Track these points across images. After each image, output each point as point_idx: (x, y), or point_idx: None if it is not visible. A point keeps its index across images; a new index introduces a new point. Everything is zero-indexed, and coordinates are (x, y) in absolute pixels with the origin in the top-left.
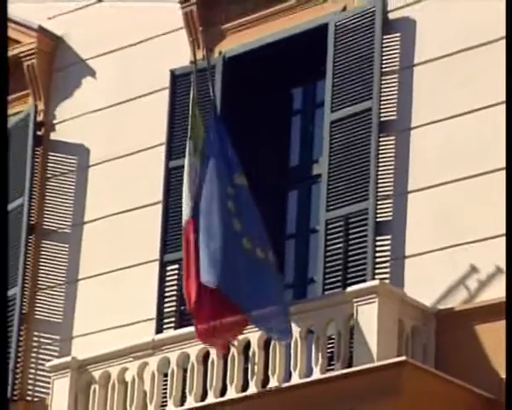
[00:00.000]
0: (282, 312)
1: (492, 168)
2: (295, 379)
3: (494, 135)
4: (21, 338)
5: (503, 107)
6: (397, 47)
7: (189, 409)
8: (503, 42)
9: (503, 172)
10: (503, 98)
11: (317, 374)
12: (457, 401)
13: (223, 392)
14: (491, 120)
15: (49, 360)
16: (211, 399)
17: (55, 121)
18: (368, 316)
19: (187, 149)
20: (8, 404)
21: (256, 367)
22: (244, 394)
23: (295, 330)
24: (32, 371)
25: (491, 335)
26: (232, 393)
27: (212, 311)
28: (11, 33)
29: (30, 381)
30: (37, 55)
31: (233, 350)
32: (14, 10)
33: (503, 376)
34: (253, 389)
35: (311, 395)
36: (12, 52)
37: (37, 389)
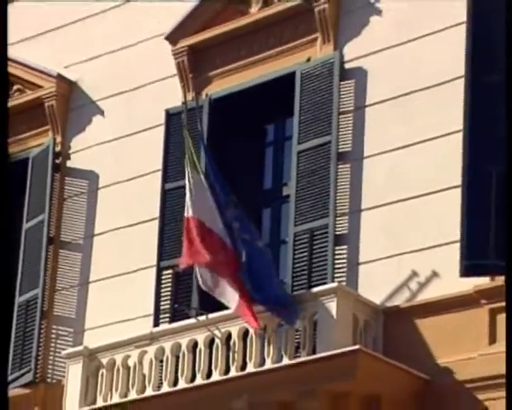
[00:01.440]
0: (290, 299)
1: (428, 191)
2: (268, 364)
3: (432, 163)
4: (42, 331)
5: (440, 140)
6: (351, 91)
7: (181, 389)
8: (441, 86)
9: (438, 194)
10: (440, 133)
11: (286, 360)
12: (401, 382)
13: (208, 375)
14: (429, 151)
15: (64, 349)
16: (199, 381)
17: (70, 151)
18: (328, 312)
19: (186, 170)
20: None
21: (236, 355)
22: (226, 376)
23: (269, 324)
24: (51, 358)
25: (428, 328)
26: (216, 376)
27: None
28: (35, 79)
29: (49, 366)
30: (56, 97)
31: (217, 341)
32: (36, 59)
33: (438, 361)
34: (233, 372)
35: (282, 377)
36: (35, 95)
37: (55, 372)
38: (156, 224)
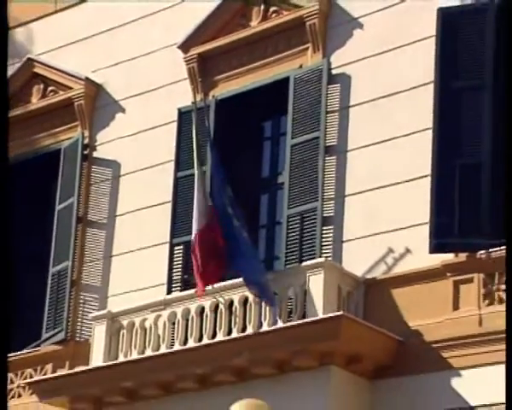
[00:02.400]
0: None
1: (402, 180)
2: (265, 327)
3: (405, 156)
4: (72, 297)
5: (413, 136)
6: (337, 94)
7: (190, 348)
8: (414, 90)
9: (411, 182)
10: (413, 130)
11: (280, 324)
12: (378, 342)
13: (214, 336)
14: (404, 146)
15: (91, 313)
16: (205, 341)
17: (96, 144)
18: (316, 283)
19: (195, 162)
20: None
21: (237, 318)
22: (228, 337)
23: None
24: (79, 320)
25: (402, 296)
26: (220, 336)
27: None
28: (66, 82)
29: (78, 327)
30: (84, 97)
31: (221, 307)
32: (68, 64)
33: (410, 324)
34: (235, 333)
35: (277, 338)
36: (66, 95)
37: (83, 332)
38: (169, 206)
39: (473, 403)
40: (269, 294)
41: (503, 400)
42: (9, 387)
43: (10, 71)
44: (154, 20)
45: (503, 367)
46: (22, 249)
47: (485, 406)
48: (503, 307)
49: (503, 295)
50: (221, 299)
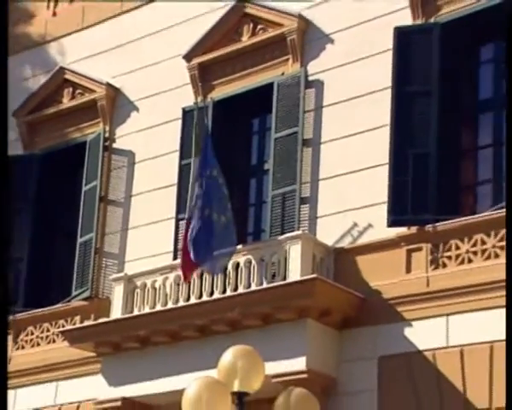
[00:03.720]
0: (222, 255)
1: (365, 167)
2: (253, 287)
3: (369, 147)
4: (96, 262)
5: (375, 131)
6: (313, 96)
7: (191, 304)
8: (376, 93)
9: (372, 169)
10: (375, 126)
11: (265, 284)
12: (345, 299)
13: (211, 294)
14: (367, 139)
15: (111, 275)
16: (204, 298)
17: (115, 137)
18: (295, 251)
19: (193, 153)
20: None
21: (231, 280)
22: (223, 295)
23: (254, 258)
24: (102, 281)
25: (364, 262)
26: (217, 294)
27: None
28: (91, 85)
29: (100, 287)
30: (106, 99)
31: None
32: (92, 71)
33: (371, 284)
34: (228, 292)
35: (263, 296)
36: (90, 97)
37: (104, 291)
38: (175, 188)
39: (420, 348)
40: (214, 266)
41: (445, 344)
42: (46, 334)
43: (45, 78)
44: (163, 36)
45: (445, 319)
46: (56, 224)
47: (430, 350)
48: (446, 271)
49: (447, 261)
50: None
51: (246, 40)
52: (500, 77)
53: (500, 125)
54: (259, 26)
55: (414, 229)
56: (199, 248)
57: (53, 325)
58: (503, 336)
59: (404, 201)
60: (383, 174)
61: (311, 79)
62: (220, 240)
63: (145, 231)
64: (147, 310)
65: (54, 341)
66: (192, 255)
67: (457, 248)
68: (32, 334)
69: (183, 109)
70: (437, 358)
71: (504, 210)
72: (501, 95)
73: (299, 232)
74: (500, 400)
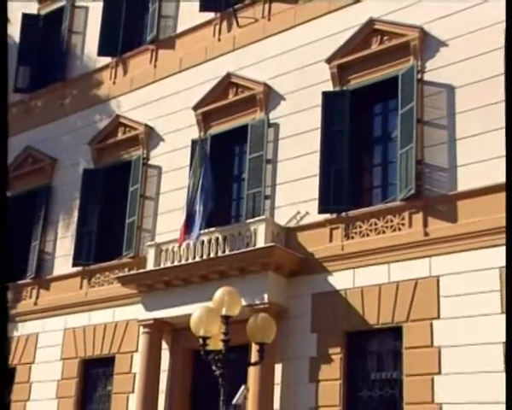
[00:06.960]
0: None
1: (306, 176)
2: (235, 251)
3: (309, 163)
4: (137, 235)
5: (312, 155)
6: (273, 133)
7: (197, 261)
8: (312, 132)
9: (310, 178)
10: (310, 151)
11: (242, 249)
12: (291, 259)
13: (209, 255)
14: (307, 159)
15: (146, 243)
16: (204, 257)
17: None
18: (260, 231)
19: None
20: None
21: (220, 246)
22: (216, 255)
23: (235, 233)
24: (141, 246)
25: (304, 236)
26: (212, 255)
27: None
28: (132, 123)
29: (140, 250)
30: (143, 136)
31: (212, 240)
32: (131, 114)
33: (308, 249)
34: (219, 254)
35: (241, 256)
36: (132, 133)
37: (143, 252)
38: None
39: (337, 288)
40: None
41: (352, 286)
42: (107, 278)
43: (105, 122)
44: (179, 95)
45: (352, 271)
46: (113, 210)
47: (343, 289)
48: (353, 241)
49: (354, 235)
50: (213, 237)
51: (231, 98)
52: (385, 123)
53: (386, 152)
54: (239, 90)
55: (334, 215)
56: (190, 226)
57: (112, 272)
58: (387, 280)
59: (328, 197)
60: (316, 181)
61: (272, 122)
62: (200, 222)
63: (166, 217)
64: (168, 264)
65: (111, 283)
66: (187, 231)
67: (360, 227)
68: (99, 278)
69: (192, 141)
70: (347, 294)
71: (391, 204)
72: (386, 134)
73: (264, 217)
74: (385, 316)
